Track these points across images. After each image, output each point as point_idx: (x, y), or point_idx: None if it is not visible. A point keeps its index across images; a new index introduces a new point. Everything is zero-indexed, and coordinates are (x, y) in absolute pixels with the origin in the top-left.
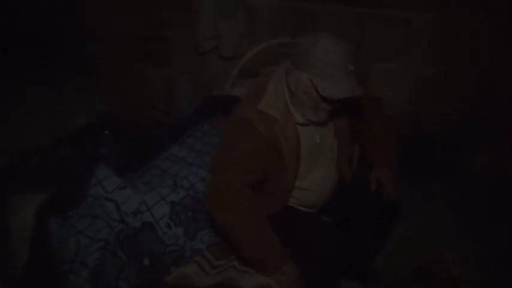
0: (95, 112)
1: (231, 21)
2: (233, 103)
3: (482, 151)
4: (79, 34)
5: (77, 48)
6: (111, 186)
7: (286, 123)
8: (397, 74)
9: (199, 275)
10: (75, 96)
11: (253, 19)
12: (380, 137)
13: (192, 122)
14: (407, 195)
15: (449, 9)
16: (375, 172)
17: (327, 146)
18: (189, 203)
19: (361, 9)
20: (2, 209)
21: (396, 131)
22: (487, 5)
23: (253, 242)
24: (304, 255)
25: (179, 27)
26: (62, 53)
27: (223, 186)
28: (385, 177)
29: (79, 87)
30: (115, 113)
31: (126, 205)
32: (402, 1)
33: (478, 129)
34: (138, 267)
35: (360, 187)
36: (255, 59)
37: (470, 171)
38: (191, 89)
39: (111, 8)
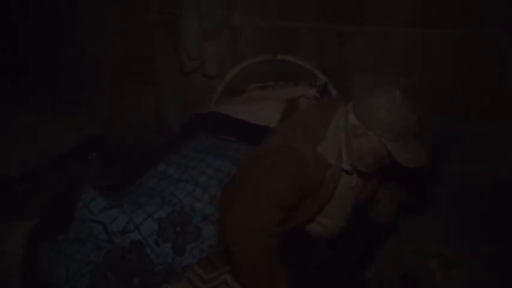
0: (82, 135)
1: (215, 41)
2: (219, 120)
3: (466, 157)
4: (65, 60)
5: (63, 74)
6: (97, 208)
7: (336, 168)
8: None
9: None
10: (63, 119)
11: (236, 38)
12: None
13: (179, 139)
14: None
15: (429, 23)
16: (377, 193)
17: (357, 189)
18: (176, 217)
19: (340, 25)
20: None
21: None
22: (468, 18)
23: (259, 275)
24: (297, 271)
25: (163, 47)
26: (48, 79)
27: (252, 216)
28: (384, 199)
29: (66, 111)
30: (102, 135)
31: (114, 225)
32: (381, 17)
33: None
34: (128, 287)
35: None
36: (238, 77)
37: (457, 176)
38: (178, 108)
39: (96, 34)
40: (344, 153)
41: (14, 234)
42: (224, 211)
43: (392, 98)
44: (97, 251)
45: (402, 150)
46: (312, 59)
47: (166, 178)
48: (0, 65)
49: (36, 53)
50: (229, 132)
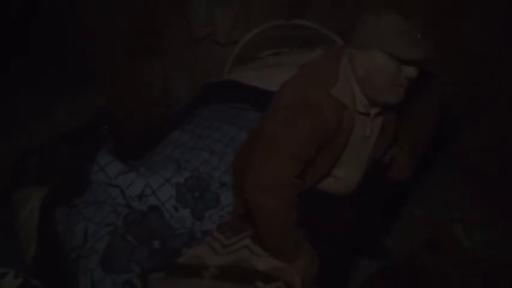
0: (93, 110)
1: (226, 7)
2: (232, 88)
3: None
4: (73, 37)
5: (72, 51)
6: (113, 171)
7: (351, 111)
8: None
9: (211, 256)
10: (73, 95)
11: (248, 3)
12: (416, 118)
13: (192, 108)
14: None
15: None
16: (393, 148)
17: (372, 141)
18: (195, 183)
19: None
20: (6, 205)
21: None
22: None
23: (280, 233)
24: (318, 234)
25: (172, 18)
26: (57, 55)
27: (271, 170)
28: (401, 155)
29: (76, 87)
30: (113, 109)
31: (131, 189)
32: None
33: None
34: (148, 250)
35: (377, 164)
36: (251, 44)
37: (475, 145)
38: (189, 80)
39: (104, 5)
40: (357, 95)
41: (31, 199)
42: (239, 175)
43: (377, 14)
44: (115, 214)
45: (403, 47)
46: (327, 23)
47: (181, 146)
48: (10, 47)
49: (44, 32)
50: (243, 100)
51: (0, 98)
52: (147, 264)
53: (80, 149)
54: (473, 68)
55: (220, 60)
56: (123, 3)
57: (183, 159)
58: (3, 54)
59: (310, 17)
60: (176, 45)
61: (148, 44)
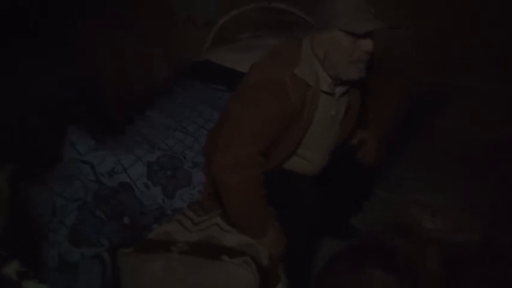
0: (68, 87)
1: None
2: (210, 69)
3: (456, 110)
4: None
5: (46, 26)
6: (84, 148)
7: (315, 89)
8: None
9: (181, 232)
10: (47, 72)
11: None
12: (385, 104)
13: (169, 88)
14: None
15: None
16: (363, 131)
17: (337, 121)
18: (168, 162)
19: None
20: None
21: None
22: None
23: (247, 210)
24: (287, 213)
25: None
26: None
27: (236, 147)
28: (370, 139)
29: (51, 64)
30: (89, 87)
31: (101, 166)
32: None
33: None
34: (118, 225)
35: (346, 146)
36: (230, 25)
37: (446, 128)
38: (167, 59)
39: None
40: (320, 75)
41: (1, 173)
42: (210, 154)
43: None
44: (85, 190)
45: (358, 22)
46: (308, 8)
47: (156, 125)
48: None
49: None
50: (220, 81)
51: None
52: (117, 239)
53: (57, 125)
54: (442, 57)
55: (200, 39)
56: None
57: (157, 138)
58: None
59: (292, 1)
60: (155, 23)
61: (127, 20)
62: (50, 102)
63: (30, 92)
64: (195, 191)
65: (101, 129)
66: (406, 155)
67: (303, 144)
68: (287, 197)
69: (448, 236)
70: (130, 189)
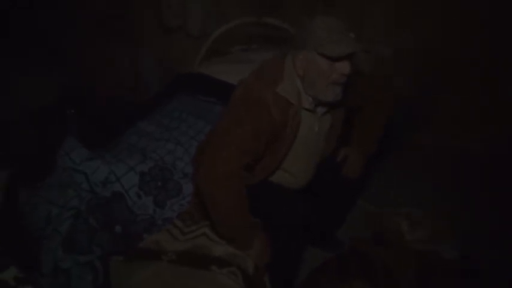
0: (60, 92)
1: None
2: (201, 81)
3: (439, 126)
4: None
5: (41, 34)
6: (79, 157)
7: (297, 107)
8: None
9: (170, 242)
10: (41, 77)
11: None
12: (367, 119)
13: (161, 98)
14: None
15: None
16: (346, 148)
17: (321, 137)
18: (158, 173)
19: None
20: None
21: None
22: None
23: (230, 222)
24: (272, 225)
25: (144, 8)
26: (27, 39)
27: (220, 162)
28: (353, 155)
29: (44, 69)
30: (81, 93)
31: (95, 175)
32: None
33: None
34: (110, 234)
35: (331, 162)
36: (222, 38)
37: (427, 141)
38: (159, 69)
39: None
40: (302, 92)
41: None
42: (196, 167)
43: (311, 18)
44: (79, 198)
45: (335, 45)
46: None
47: (147, 136)
48: None
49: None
50: (211, 94)
51: None
52: (109, 247)
53: (44, 131)
54: (426, 69)
55: (192, 50)
56: None
57: (149, 148)
58: None
59: (282, 15)
60: (148, 33)
61: (119, 29)
62: (39, 105)
63: (20, 98)
64: (184, 202)
65: (92, 136)
66: (387, 168)
67: (287, 159)
68: (273, 208)
69: (428, 247)
70: (123, 199)
